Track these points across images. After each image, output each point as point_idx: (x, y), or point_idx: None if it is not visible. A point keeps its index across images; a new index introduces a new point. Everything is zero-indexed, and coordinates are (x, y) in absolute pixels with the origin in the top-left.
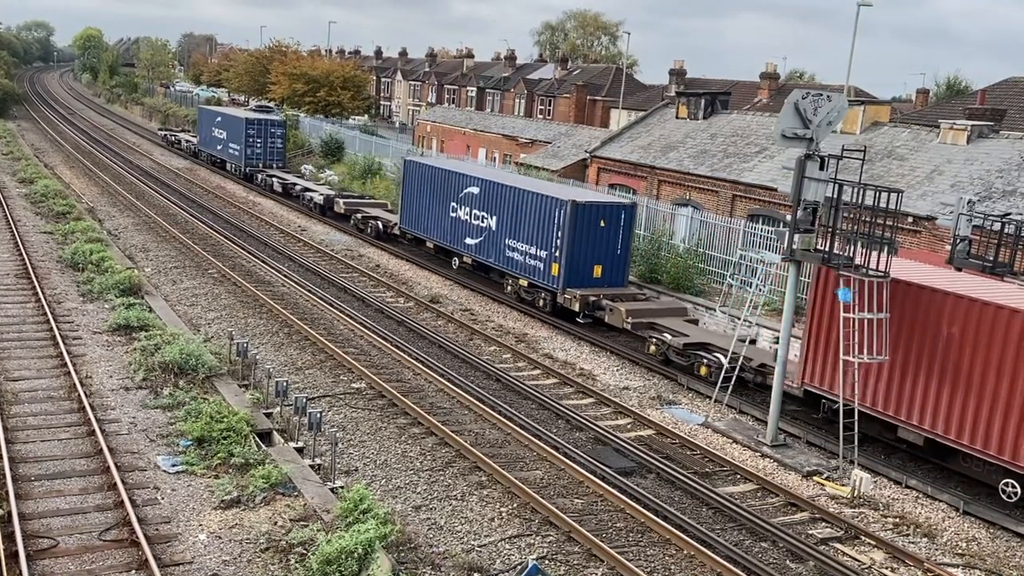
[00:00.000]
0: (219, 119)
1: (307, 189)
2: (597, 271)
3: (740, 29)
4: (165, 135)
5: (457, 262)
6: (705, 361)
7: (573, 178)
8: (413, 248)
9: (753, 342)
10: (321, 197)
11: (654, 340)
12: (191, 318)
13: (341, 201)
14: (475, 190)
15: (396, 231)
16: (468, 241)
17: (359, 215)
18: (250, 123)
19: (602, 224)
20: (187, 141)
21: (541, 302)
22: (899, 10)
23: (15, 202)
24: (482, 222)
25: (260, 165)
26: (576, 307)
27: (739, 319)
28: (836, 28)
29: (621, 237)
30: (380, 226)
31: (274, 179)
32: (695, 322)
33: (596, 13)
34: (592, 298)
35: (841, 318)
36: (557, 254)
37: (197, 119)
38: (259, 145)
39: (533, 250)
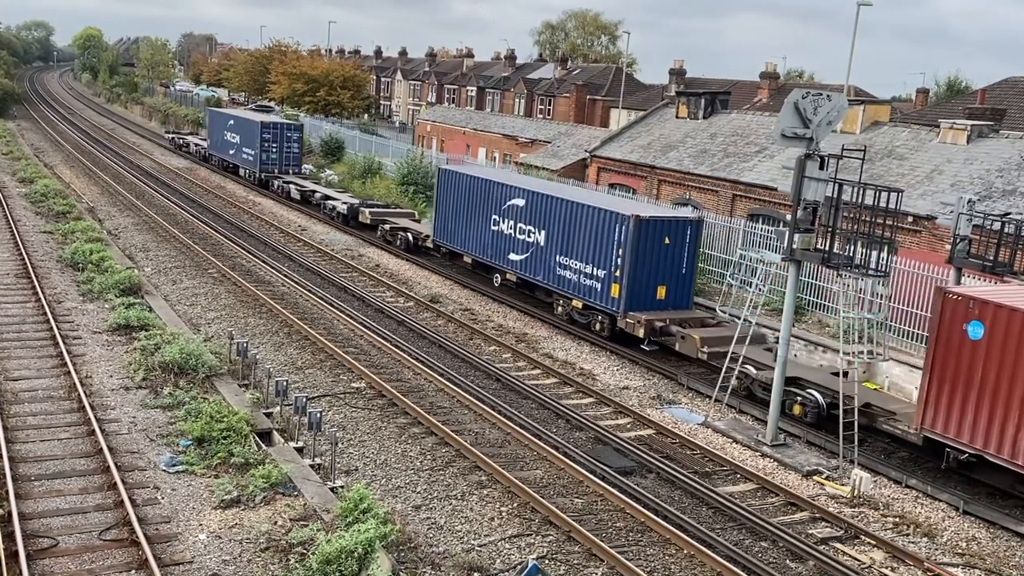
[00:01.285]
0: (231, 122)
1: (328, 197)
2: (661, 292)
3: (740, 29)
4: (172, 138)
5: (499, 279)
6: (799, 399)
7: (573, 178)
8: (447, 262)
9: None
10: (345, 207)
11: (736, 373)
12: (191, 318)
13: (367, 211)
14: (520, 202)
15: (429, 244)
16: (512, 257)
17: (386, 226)
18: (265, 127)
19: (667, 241)
20: (196, 145)
21: (598, 325)
22: (899, 10)
23: (15, 202)
24: (528, 237)
25: (276, 171)
26: (640, 333)
27: (742, 319)
28: (836, 28)
29: (687, 255)
30: (410, 238)
31: (291, 186)
32: (773, 350)
33: (596, 13)
34: (659, 323)
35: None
36: (618, 274)
37: (207, 122)
38: (275, 150)
39: (589, 269)
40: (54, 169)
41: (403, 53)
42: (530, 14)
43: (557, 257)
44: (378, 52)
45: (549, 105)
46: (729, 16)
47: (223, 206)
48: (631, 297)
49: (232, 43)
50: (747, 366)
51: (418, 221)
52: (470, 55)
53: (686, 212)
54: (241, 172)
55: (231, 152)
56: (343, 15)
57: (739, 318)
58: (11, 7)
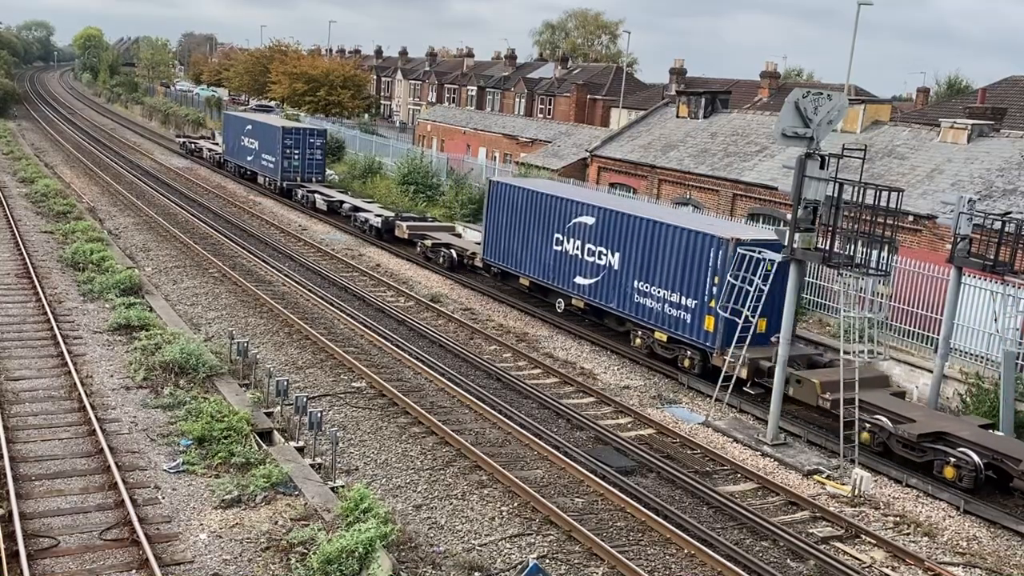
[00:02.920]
0: (249, 127)
1: (358, 208)
2: (762, 325)
3: (740, 28)
4: (184, 142)
5: (563, 304)
6: (952, 460)
7: (573, 177)
8: (500, 284)
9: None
10: (378, 220)
11: (867, 426)
12: (191, 317)
13: (404, 225)
14: (589, 220)
15: (477, 262)
16: (579, 281)
17: (427, 242)
18: (287, 132)
19: (768, 268)
20: (210, 150)
21: (687, 362)
22: (900, 9)
23: (15, 202)
24: (599, 259)
25: (298, 179)
26: (743, 373)
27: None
28: (836, 27)
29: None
30: (454, 255)
31: (317, 196)
32: (902, 395)
33: (596, 12)
34: (764, 362)
35: None
36: (712, 304)
37: (222, 126)
38: (297, 157)
39: (676, 297)
40: (54, 169)
41: (403, 53)
42: (530, 13)
43: (635, 283)
44: (378, 52)
45: (549, 105)
46: (729, 15)
47: (223, 206)
48: (729, 331)
49: (232, 43)
50: (879, 417)
51: (459, 235)
52: (470, 55)
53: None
54: (260, 180)
55: (249, 158)
56: (343, 15)
57: (850, 353)
58: (11, 7)
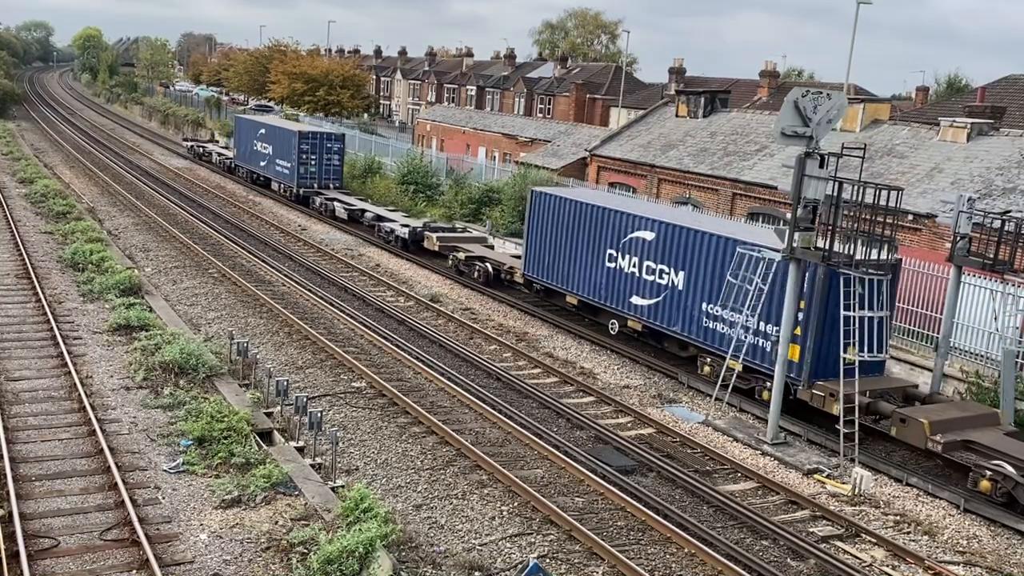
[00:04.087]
0: (262, 131)
1: (382, 218)
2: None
3: (739, 27)
4: (191, 146)
5: (616, 326)
6: (987, 473)
7: (573, 177)
8: (542, 301)
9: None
10: (405, 230)
11: (986, 473)
12: (191, 318)
13: (434, 236)
14: (648, 235)
15: (517, 278)
16: (636, 301)
17: (460, 255)
18: (303, 137)
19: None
20: (219, 155)
21: (767, 394)
22: (899, 8)
23: (15, 202)
24: (660, 277)
25: (315, 186)
26: (834, 409)
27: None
28: (836, 26)
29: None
30: (490, 269)
31: (336, 204)
32: (1018, 435)
33: (596, 12)
34: (860, 398)
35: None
36: (798, 332)
37: (234, 130)
38: (314, 163)
39: (751, 323)
40: (54, 169)
41: (403, 52)
42: (530, 13)
43: (703, 305)
44: (378, 51)
45: (549, 104)
46: (729, 14)
47: (223, 206)
48: (817, 361)
49: (231, 43)
50: (1002, 464)
51: (491, 247)
52: (470, 54)
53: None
54: (274, 186)
55: (262, 164)
56: (342, 14)
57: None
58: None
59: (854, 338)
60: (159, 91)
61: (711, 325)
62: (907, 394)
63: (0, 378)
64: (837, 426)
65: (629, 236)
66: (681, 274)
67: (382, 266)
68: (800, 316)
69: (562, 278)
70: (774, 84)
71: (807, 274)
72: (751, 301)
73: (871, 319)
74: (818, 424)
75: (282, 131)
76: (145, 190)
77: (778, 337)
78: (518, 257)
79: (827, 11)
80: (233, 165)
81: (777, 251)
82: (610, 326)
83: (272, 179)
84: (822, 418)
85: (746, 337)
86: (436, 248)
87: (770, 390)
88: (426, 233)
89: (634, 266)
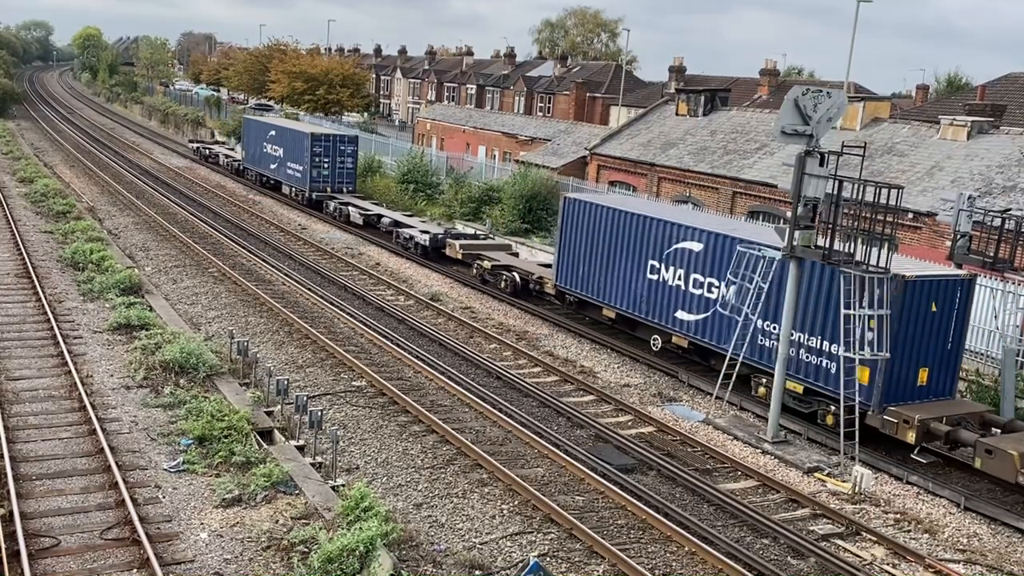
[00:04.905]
0: (272, 133)
1: (400, 224)
2: (922, 376)
3: (739, 26)
4: (197, 148)
5: (659, 341)
6: None
7: (573, 176)
8: (574, 314)
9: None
10: (426, 237)
11: None
12: (191, 317)
13: (457, 244)
14: (695, 246)
15: (548, 289)
16: (682, 316)
17: (485, 263)
18: (316, 139)
19: (933, 308)
20: (226, 156)
21: (830, 418)
22: (900, 7)
23: (15, 201)
24: (708, 291)
25: (328, 190)
26: (909, 437)
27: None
28: (836, 25)
29: (954, 326)
30: (518, 279)
31: (351, 208)
32: None
33: (595, 10)
34: (938, 426)
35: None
36: (867, 353)
37: (242, 132)
38: (327, 166)
39: (815, 342)
40: (54, 169)
41: (403, 51)
42: (529, 12)
43: (757, 322)
44: (378, 50)
45: (549, 103)
46: (729, 13)
47: (223, 205)
48: (889, 385)
49: (231, 42)
50: None
51: (516, 255)
52: (469, 53)
53: (953, 270)
54: (285, 190)
55: (272, 167)
56: (342, 13)
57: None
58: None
59: (926, 358)
60: (159, 90)
61: (767, 344)
62: (984, 420)
63: (0, 377)
64: (914, 455)
65: (674, 247)
66: (732, 288)
67: (382, 265)
68: (870, 335)
69: (598, 290)
70: (774, 83)
71: (879, 290)
72: (750, 299)
73: (945, 337)
74: (819, 423)
75: (294, 133)
76: (145, 189)
77: (841, 357)
78: (546, 266)
79: (827, 10)
80: (242, 168)
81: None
82: (652, 342)
83: (283, 182)
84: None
85: (805, 356)
86: (459, 256)
87: (834, 414)
88: (448, 240)
89: (679, 279)
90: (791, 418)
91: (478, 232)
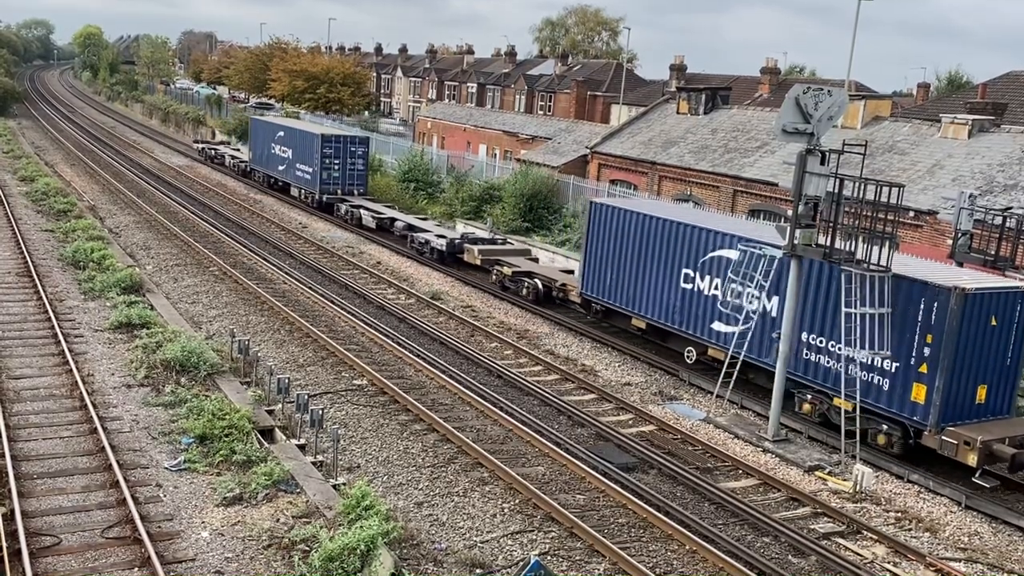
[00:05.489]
0: (281, 134)
1: (414, 228)
2: (981, 394)
3: (740, 24)
4: (203, 148)
5: (694, 354)
6: None
7: (574, 174)
8: (599, 323)
9: None
10: (442, 242)
11: None
12: (192, 316)
13: (475, 249)
14: (733, 254)
15: (574, 297)
16: (719, 328)
17: (505, 269)
18: (326, 141)
19: (993, 322)
20: (232, 157)
21: (882, 438)
22: (900, 6)
23: (16, 200)
24: (748, 303)
25: (339, 192)
26: (970, 459)
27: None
28: (837, 23)
29: (1014, 340)
30: (540, 286)
31: (363, 212)
32: None
33: (596, 9)
34: (1002, 448)
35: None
36: (923, 369)
37: (249, 132)
38: (337, 167)
39: (867, 357)
40: (55, 167)
41: (403, 50)
42: (530, 10)
43: (802, 335)
44: (378, 49)
45: (549, 101)
46: (729, 11)
47: (224, 203)
48: (947, 403)
49: (232, 41)
50: None
51: (536, 260)
52: (470, 52)
53: (1014, 280)
54: (294, 192)
55: (280, 168)
56: (343, 12)
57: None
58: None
59: (985, 375)
60: (159, 89)
61: (813, 358)
62: None
63: (1, 376)
64: (975, 479)
65: (710, 255)
66: (775, 299)
67: (383, 263)
68: (927, 351)
69: (627, 299)
70: (775, 81)
71: (937, 303)
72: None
73: (1005, 353)
74: (820, 421)
75: (303, 134)
76: (146, 188)
77: (895, 370)
78: (568, 272)
79: (828, 8)
80: (249, 169)
81: (928, 283)
82: (686, 354)
83: (292, 184)
84: (824, 415)
85: (859, 373)
86: (478, 262)
87: (886, 433)
88: (466, 246)
89: (716, 288)
90: (829, 432)
91: (496, 236)
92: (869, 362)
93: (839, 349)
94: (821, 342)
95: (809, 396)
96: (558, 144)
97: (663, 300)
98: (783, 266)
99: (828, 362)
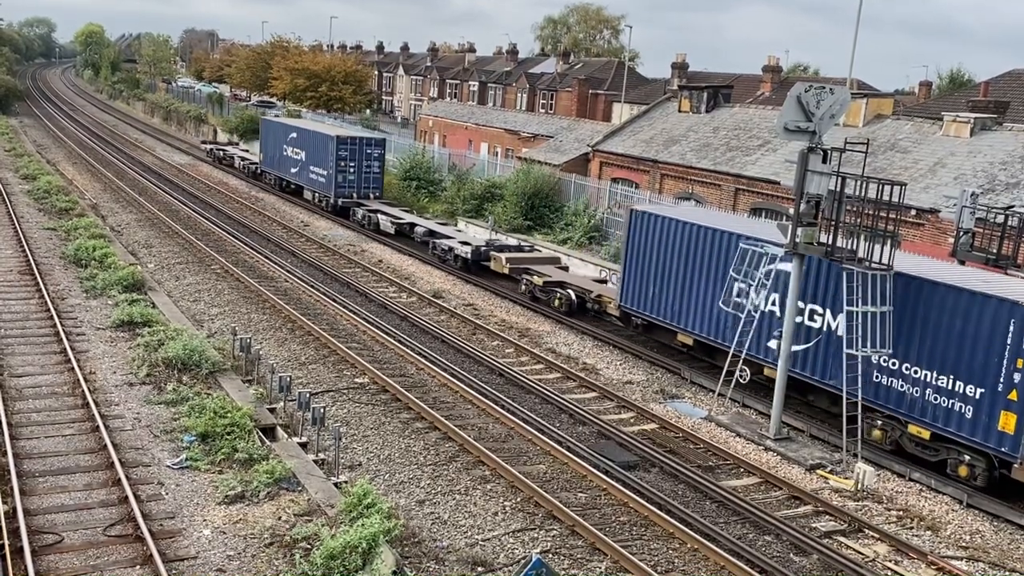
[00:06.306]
0: (294, 135)
1: (435, 233)
2: None
3: (742, 22)
4: (211, 149)
5: (748, 373)
6: None
7: (575, 172)
8: (637, 336)
9: None
10: (467, 250)
11: None
12: (194, 314)
13: (503, 257)
14: (788, 267)
15: (612, 310)
16: (776, 346)
17: (535, 278)
18: (342, 143)
19: None
20: (242, 159)
21: (964, 469)
22: (902, 4)
23: (18, 199)
24: (810, 320)
25: (355, 195)
26: None
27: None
28: (839, 21)
29: None
30: (573, 297)
31: (381, 216)
32: None
33: (598, 7)
34: None
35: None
36: (1015, 397)
37: (260, 133)
38: (352, 170)
39: (944, 382)
40: (56, 166)
41: (405, 48)
42: (531, 8)
43: (873, 356)
44: (380, 47)
45: (551, 100)
46: (731, 9)
47: (225, 202)
48: None
49: (234, 39)
50: None
51: (566, 268)
52: (472, 50)
53: None
54: (307, 195)
55: (293, 171)
56: (344, 10)
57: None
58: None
59: None
60: (161, 87)
61: (884, 380)
62: None
63: (4, 374)
64: None
65: (767, 268)
66: (841, 317)
67: (384, 262)
68: (1017, 376)
69: (672, 313)
70: (777, 79)
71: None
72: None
73: None
74: (821, 420)
75: (317, 135)
76: (148, 186)
77: (979, 396)
78: (601, 282)
79: (830, 7)
80: (260, 171)
81: (1010, 300)
82: (739, 374)
83: (305, 187)
84: (826, 414)
85: (933, 396)
86: (506, 271)
87: (969, 464)
88: (493, 253)
89: (773, 304)
90: (901, 459)
91: (523, 244)
92: (950, 387)
93: (915, 372)
94: (894, 364)
95: (879, 422)
96: (559, 142)
97: (712, 315)
98: (864, 281)
99: (902, 386)
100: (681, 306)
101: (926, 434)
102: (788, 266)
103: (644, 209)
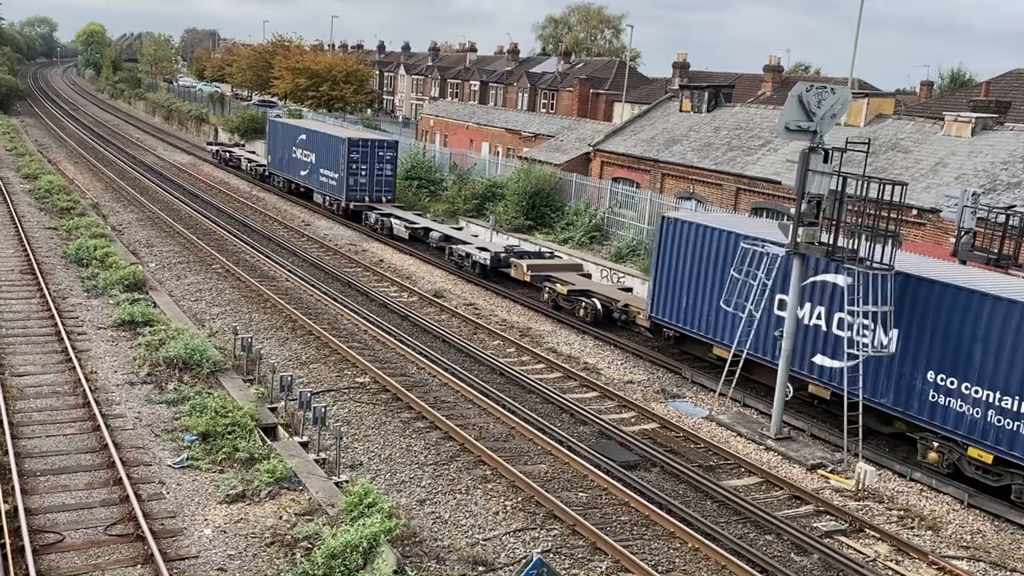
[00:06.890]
0: (303, 137)
1: (451, 239)
2: None
3: (743, 22)
4: (217, 151)
5: (791, 389)
6: None
7: (576, 172)
8: (669, 349)
9: None
10: (486, 256)
11: None
12: (195, 313)
13: (524, 264)
14: (839, 279)
15: (641, 320)
16: (822, 362)
17: (559, 287)
18: (353, 145)
19: None
20: (249, 161)
21: None
22: (904, 3)
23: (19, 198)
24: (864, 336)
25: (366, 199)
26: None
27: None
28: (840, 21)
29: None
30: (599, 307)
31: (394, 220)
32: None
33: (599, 7)
34: None
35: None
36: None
37: (267, 135)
38: (364, 173)
39: (1008, 402)
40: (58, 165)
41: (406, 47)
42: (533, 8)
43: (927, 374)
44: (381, 47)
45: (552, 99)
46: (733, 8)
47: (226, 201)
48: None
49: (235, 38)
50: None
51: (589, 276)
52: (473, 49)
53: None
54: (317, 198)
55: (302, 173)
56: (345, 9)
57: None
58: (15, 3)
59: None
60: (162, 87)
61: (942, 400)
62: None
63: (5, 373)
64: None
65: (811, 279)
66: (893, 332)
67: (385, 261)
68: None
69: (706, 325)
70: (778, 79)
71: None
72: (754, 296)
73: None
74: (822, 419)
75: (327, 137)
76: (149, 186)
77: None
78: (627, 290)
79: (831, 6)
80: (268, 173)
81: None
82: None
83: (315, 190)
84: (826, 413)
85: (996, 418)
86: (527, 278)
87: None
88: (513, 260)
89: (819, 318)
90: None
91: (543, 250)
92: (1013, 408)
93: (975, 392)
94: (952, 383)
95: (936, 444)
96: (561, 142)
97: (754, 330)
98: (908, 293)
99: (961, 406)
100: (717, 318)
101: (989, 458)
102: (831, 277)
103: (678, 216)
